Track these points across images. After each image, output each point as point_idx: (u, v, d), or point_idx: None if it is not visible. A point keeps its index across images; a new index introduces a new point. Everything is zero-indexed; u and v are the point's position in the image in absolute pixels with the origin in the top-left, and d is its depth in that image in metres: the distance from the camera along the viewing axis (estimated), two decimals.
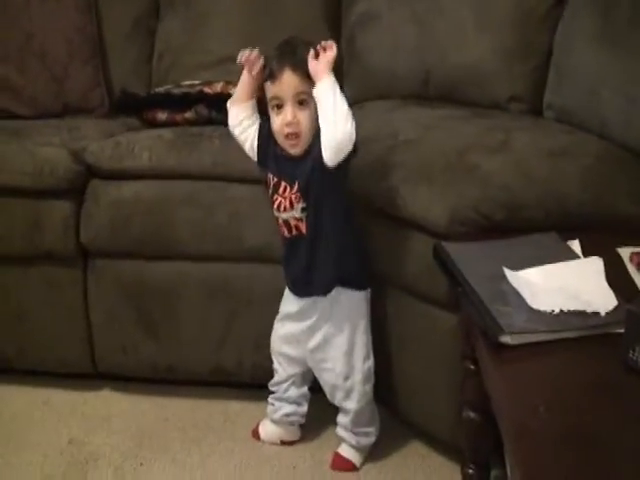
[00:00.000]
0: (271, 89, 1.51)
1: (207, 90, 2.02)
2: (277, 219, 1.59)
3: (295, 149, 1.53)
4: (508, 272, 1.23)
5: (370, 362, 1.65)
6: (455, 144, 1.70)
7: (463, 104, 2.06)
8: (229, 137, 1.81)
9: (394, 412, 1.79)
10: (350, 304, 1.61)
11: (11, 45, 2.22)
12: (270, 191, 1.59)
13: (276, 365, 1.74)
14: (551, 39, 2.00)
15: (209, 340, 1.89)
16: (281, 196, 1.55)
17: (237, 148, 1.73)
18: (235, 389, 1.95)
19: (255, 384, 1.90)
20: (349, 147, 1.46)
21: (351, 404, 1.65)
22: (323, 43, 1.49)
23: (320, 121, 1.46)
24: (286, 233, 1.58)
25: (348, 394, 1.65)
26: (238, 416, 1.88)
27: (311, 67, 1.47)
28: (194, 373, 1.95)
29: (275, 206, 1.57)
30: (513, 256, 1.30)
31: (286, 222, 1.57)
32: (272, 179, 1.58)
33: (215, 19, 2.32)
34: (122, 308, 1.91)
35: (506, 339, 1.08)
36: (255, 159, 1.63)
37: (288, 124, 1.49)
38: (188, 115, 2.01)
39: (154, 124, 2.06)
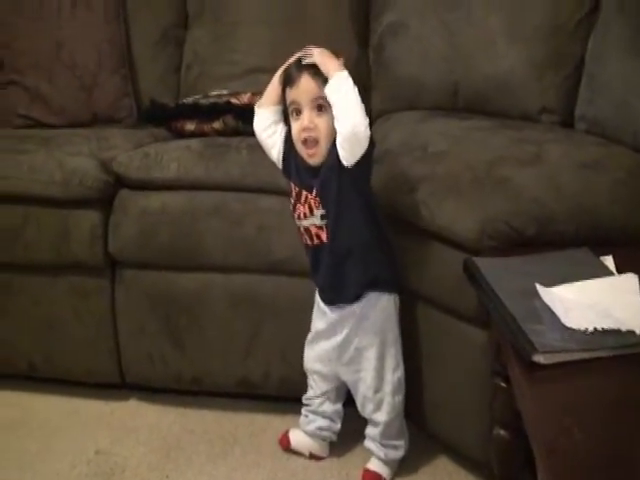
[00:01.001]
0: (290, 94, 1.51)
1: (235, 101, 2.03)
2: (299, 228, 1.59)
3: (314, 159, 1.51)
4: (541, 288, 1.21)
5: (400, 372, 1.63)
6: (485, 156, 1.68)
7: (493, 115, 2.04)
8: (257, 148, 1.80)
9: (422, 428, 1.76)
10: (378, 314, 1.58)
11: (41, 55, 2.25)
12: (292, 200, 1.59)
13: (311, 382, 1.73)
14: (583, 49, 1.98)
15: (235, 351, 1.89)
16: (302, 205, 1.55)
17: (265, 159, 1.72)
18: (261, 401, 1.94)
19: (281, 397, 1.89)
20: (364, 142, 1.44)
21: (381, 416, 1.64)
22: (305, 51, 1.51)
23: (334, 118, 1.45)
24: (308, 241, 1.58)
25: (378, 406, 1.63)
26: (264, 429, 1.87)
27: (321, 67, 1.46)
28: (220, 385, 1.94)
29: (296, 215, 1.57)
30: (546, 272, 1.28)
31: (307, 230, 1.56)
32: (294, 188, 1.58)
33: (243, 30, 2.33)
34: (149, 318, 1.91)
35: (539, 358, 1.06)
36: (280, 166, 1.62)
37: (305, 129, 1.48)
38: (216, 125, 2.02)
39: (182, 134, 2.07)
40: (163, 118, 2.15)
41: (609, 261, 1.34)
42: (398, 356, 1.62)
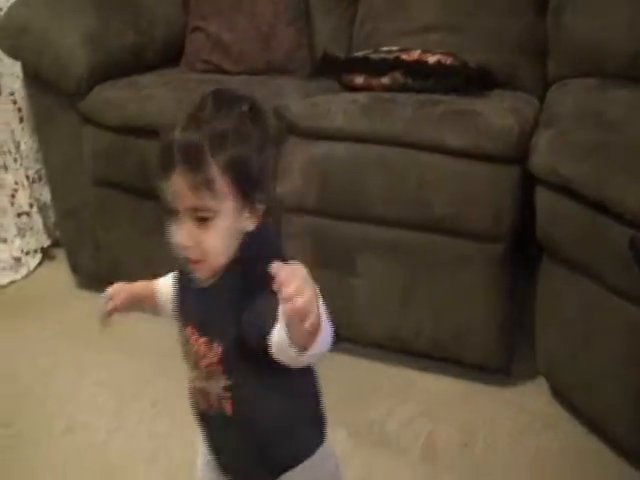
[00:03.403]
0: (165, 187, 0.96)
1: (404, 57, 2.02)
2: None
3: (200, 273, 1.00)
4: None
5: None
6: None
7: None
8: (424, 104, 1.81)
9: (572, 409, 1.74)
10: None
11: (223, 4, 2.35)
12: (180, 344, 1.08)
13: None
14: None
15: (388, 305, 1.92)
16: (193, 345, 1.03)
17: (430, 116, 1.71)
18: (411, 357, 1.96)
19: (430, 355, 1.91)
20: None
21: None
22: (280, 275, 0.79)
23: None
24: (202, 405, 1.06)
25: None
26: (413, 383, 1.91)
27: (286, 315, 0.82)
28: (371, 336, 1.98)
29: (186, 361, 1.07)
30: None
31: (202, 391, 1.04)
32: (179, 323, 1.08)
33: None
34: None
35: None
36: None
37: (184, 247, 0.97)
38: (384, 81, 2.02)
39: (351, 88, 2.09)
40: (334, 70, 2.19)
41: None
42: None
